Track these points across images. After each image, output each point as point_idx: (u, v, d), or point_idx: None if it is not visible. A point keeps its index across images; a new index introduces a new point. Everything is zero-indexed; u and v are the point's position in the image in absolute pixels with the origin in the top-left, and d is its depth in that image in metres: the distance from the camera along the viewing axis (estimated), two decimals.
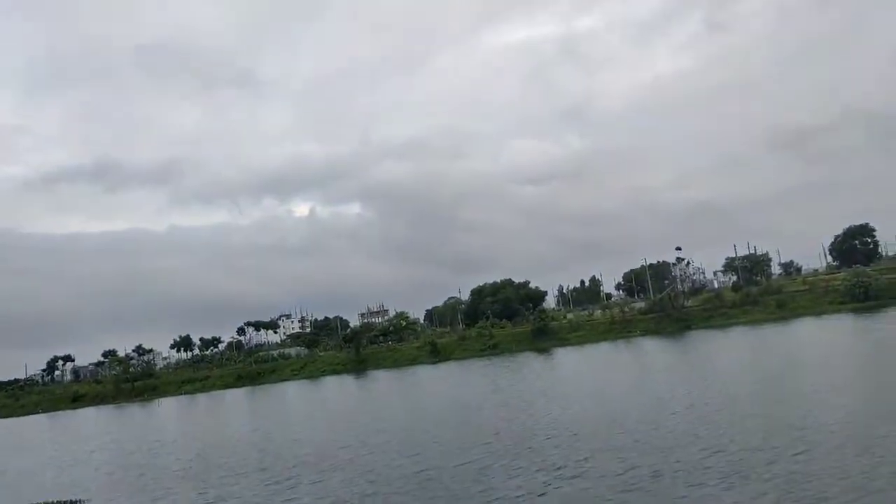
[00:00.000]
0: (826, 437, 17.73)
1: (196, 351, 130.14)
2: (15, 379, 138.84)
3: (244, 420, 49.08)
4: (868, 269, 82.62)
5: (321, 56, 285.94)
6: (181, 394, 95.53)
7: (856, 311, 68.67)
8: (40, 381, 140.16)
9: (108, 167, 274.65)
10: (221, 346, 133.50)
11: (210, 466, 27.23)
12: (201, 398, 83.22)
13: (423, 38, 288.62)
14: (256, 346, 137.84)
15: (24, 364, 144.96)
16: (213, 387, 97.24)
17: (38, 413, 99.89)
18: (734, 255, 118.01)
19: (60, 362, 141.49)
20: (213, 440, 36.40)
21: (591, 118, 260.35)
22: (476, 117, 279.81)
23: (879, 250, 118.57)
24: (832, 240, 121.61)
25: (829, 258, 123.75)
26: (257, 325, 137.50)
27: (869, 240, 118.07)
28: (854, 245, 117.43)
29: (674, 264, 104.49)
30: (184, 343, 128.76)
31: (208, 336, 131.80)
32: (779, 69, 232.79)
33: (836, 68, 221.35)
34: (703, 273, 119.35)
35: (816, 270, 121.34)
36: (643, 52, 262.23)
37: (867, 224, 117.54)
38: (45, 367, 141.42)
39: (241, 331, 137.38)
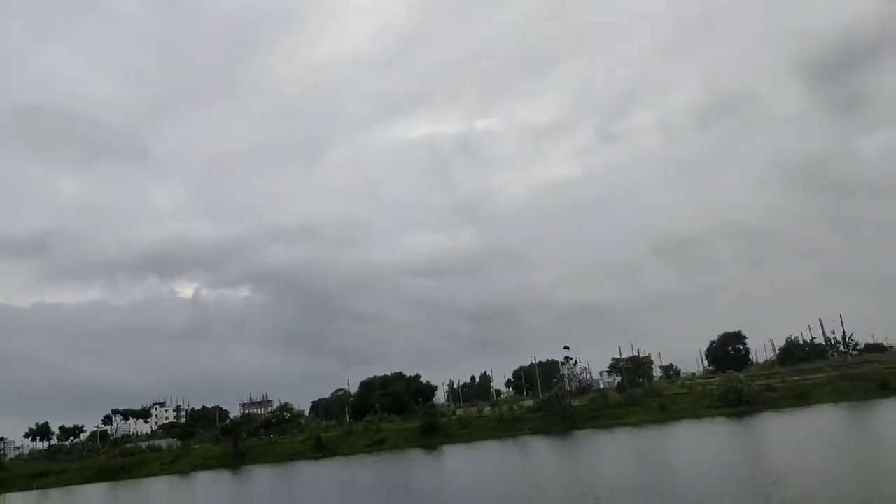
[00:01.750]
0: None
1: (54, 441, 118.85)
2: None
3: None
4: (740, 375, 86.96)
5: (221, 136, 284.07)
6: (32, 488, 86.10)
7: (729, 415, 71.48)
8: None
9: None
10: (84, 436, 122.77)
11: None
12: (55, 494, 75.26)
13: (326, 126, 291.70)
14: (124, 436, 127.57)
15: None
16: (71, 481, 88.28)
17: None
18: (619, 357, 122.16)
19: None
20: None
21: (485, 215, 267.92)
22: (373, 208, 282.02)
23: (751, 357, 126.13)
24: (708, 345, 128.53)
25: (706, 362, 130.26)
26: (126, 414, 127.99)
27: (741, 346, 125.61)
28: (728, 351, 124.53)
29: (562, 363, 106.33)
30: (40, 432, 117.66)
31: (69, 424, 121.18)
32: (662, 182, 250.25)
33: (713, 184, 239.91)
34: (590, 373, 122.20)
35: (694, 374, 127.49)
36: (537, 156, 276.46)
37: (739, 332, 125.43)
38: None
39: (107, 419, 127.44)
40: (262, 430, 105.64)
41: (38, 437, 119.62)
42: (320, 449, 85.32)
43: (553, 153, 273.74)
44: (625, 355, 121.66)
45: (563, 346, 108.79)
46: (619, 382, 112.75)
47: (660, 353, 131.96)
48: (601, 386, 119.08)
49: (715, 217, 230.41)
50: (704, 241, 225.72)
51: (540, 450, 60.04)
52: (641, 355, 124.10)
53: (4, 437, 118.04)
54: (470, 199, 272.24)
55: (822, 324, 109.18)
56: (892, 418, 53.38)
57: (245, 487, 57.43)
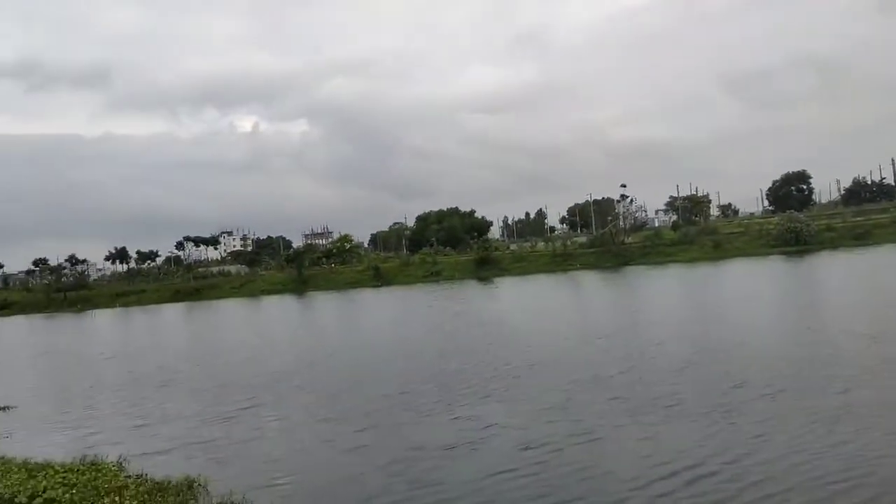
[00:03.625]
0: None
1: (132, 264, 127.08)
2: None
3: (184, 336, 48.62)
4: (801, 216, 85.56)
5: None
6: (116, 307, 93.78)
7: (786, 254, 71.45)
8: None
9: (34, 65, 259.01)
10: (159, 261, 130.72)
11: (148, 380, 26.97)
12: (136, 312, 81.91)
13: None
14: (196, 261, 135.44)
15: None
16: (149, 301, 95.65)
17: None
18: (676, 195, 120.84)
19: None
20: (156, 356, 35.86)
21: (547, 48, 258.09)
22: (430, 41, 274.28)
23: (814, 197, 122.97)
24: (770, 185, 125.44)
25: (766, 203, 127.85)
26: (197, 241, 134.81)
27: (805, 187, 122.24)
28: (790, 191, 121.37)
29: (618, 201, 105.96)
30: (119, 255, 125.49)
31: (145, 249, 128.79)
32: (733, 11, 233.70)
33: (788, 13, 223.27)
34: (646, 211, 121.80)
35: (753, 214, 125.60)
36: None
37: (804, 171, 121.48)
38: None
39: (180, 245, 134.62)
40: (323, 259, 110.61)
41: (117, 260, 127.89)
42: (378, 278, 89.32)
43: None
44: (682, 194, 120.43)
45: (620, 184, 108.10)
46: (674, 221, 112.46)
47: (719, 193, 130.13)
48: (656, 224, 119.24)
49: (792, 49, 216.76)
50: (775, 75, 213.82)
51: (588, 282, 61.76)
52: (700, 194, 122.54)
53: (87, 259, 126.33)
54: (531, 30, 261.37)
55: (894, 163, 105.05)
56: None
57: (309, 308, 61.46)
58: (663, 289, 50.68)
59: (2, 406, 22.39)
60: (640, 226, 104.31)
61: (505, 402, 17.41)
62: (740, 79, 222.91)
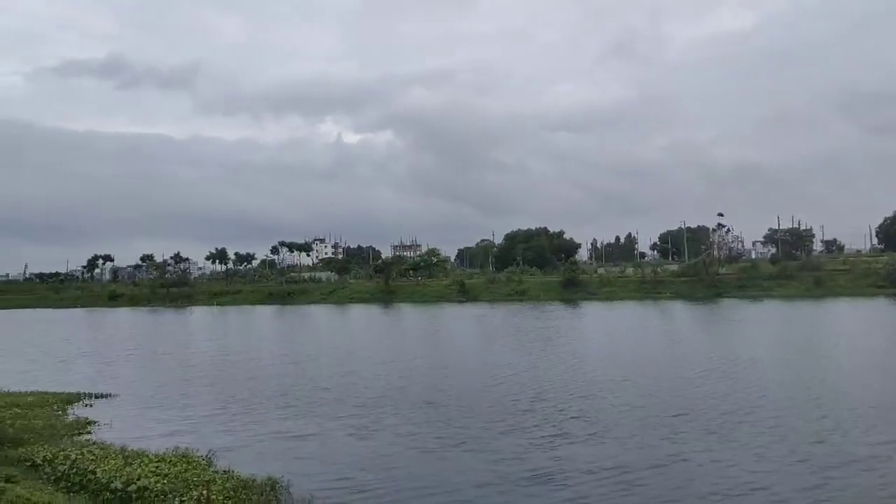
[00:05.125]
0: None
1: (230, 265, 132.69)
2: (56, 273, 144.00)
3: (277, 337, 50.26)
4: None
5: None
6: (213, 305, 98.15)
7: (893, 296, 67.17)
8: (80, 277, 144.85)
9: (123, 64, 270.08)
10: (255, 263, 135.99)
11: (242, 378, 28.10)
12: (231, 311, 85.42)
13: None
14: (289, 266, 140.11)
15: (66, 260, 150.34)
16: (244, 301, 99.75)
17: (76, 307, 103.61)
18: (776, 227, 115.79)
19: (101, 261, 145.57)
20: (252, 355, 37.35)
21: (644, 65, 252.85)
22: (520, 55, 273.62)
23: None
24: (881, 221, 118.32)
25: (875, 240, 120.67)
26: (290, 246, 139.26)
27: None
28: None
29: (713, 230, 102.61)
30: (219, 256, 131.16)
31: (243, 252, 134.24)
32: (845, 35, 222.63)
33: None
34: (742, 242, 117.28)
35: (859, 251, 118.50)
36: (710, 2, 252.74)
37: None
38: (85, 264, 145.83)
39: (274, 249, 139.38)
40: (410, 271, 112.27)
41: (216, 260, 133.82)
42: (464, 293, 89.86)
43: (724, 1, 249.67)
44: (783, 226, 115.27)
45: (717, 212, 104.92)
46: (772, 254, 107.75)
47: (822, 227, 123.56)
48: (753, 256, 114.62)
49: None
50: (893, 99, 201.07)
51: (680, 313, 59.90)
52: (802, 227, 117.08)
53: (189, 257, 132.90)
54: (628, 46, 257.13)
55: None
56: None
57: (398, 318, 62.38)
58: (773, 325, 47.57)
59: (105, 394, 23.85)
60: (735, 257, 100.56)
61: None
62: (851, 103, 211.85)
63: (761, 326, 46.64)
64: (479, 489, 12.62)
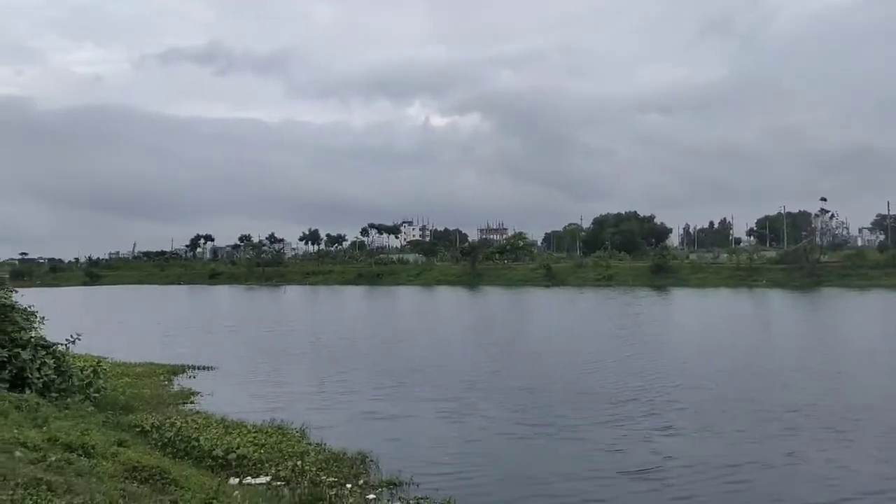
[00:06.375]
0: None
1: (322, 246, 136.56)
2: (162, 251, 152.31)
3: (368, 317, 51.46)
4: None
5: None
6: (305, 284, 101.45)
7: None
8: (183, 255, 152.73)
9: (221, 51, 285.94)
10: (345, 244, 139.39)
11: (338, 355, 29.05)
12: (322, 290, 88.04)
13: None
14: (378, 248, 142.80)
15: (171, 238, 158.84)
16: (335, 281, 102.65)
17: (179, 284, 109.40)
18: (886, 213, 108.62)
19: (202, 241, 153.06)
20: (345, 332, 38.52)
21: (741, 42, 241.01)
22: (610, 36, 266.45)
23: None
24: None
25: None
26: (380, 229, 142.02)
27: None
28: None
29: (815, 215, 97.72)
30: (312, 237, 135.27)
31: (334, 233, 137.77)
32: None
33: None
34: (847, 228, 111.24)
35: None
36: None
37: None
38: (188, 243, 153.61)
39: (364, 231, 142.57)
40: (496, 254, 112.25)
41: (309, 241, 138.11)
42: (550, 278, 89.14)
43: None
44: (894, 212, 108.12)
45: (820, 197, 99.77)
46: (880, 241, 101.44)
47: None
48: (859, 243, 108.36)
49: None
50: None
51: (779, 301, 57.44)
52: None
53: (283, 238, 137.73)
54: (726, 24, 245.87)
55: None
56: None
57: (482, 301, 62.71)
58: (886, 317, 44.91)
59: (207, 366, 25.15)
60: (839, 244, 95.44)
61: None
62: None
63: (872, 317, 44.19)
64: (570, 482, 12.24)
